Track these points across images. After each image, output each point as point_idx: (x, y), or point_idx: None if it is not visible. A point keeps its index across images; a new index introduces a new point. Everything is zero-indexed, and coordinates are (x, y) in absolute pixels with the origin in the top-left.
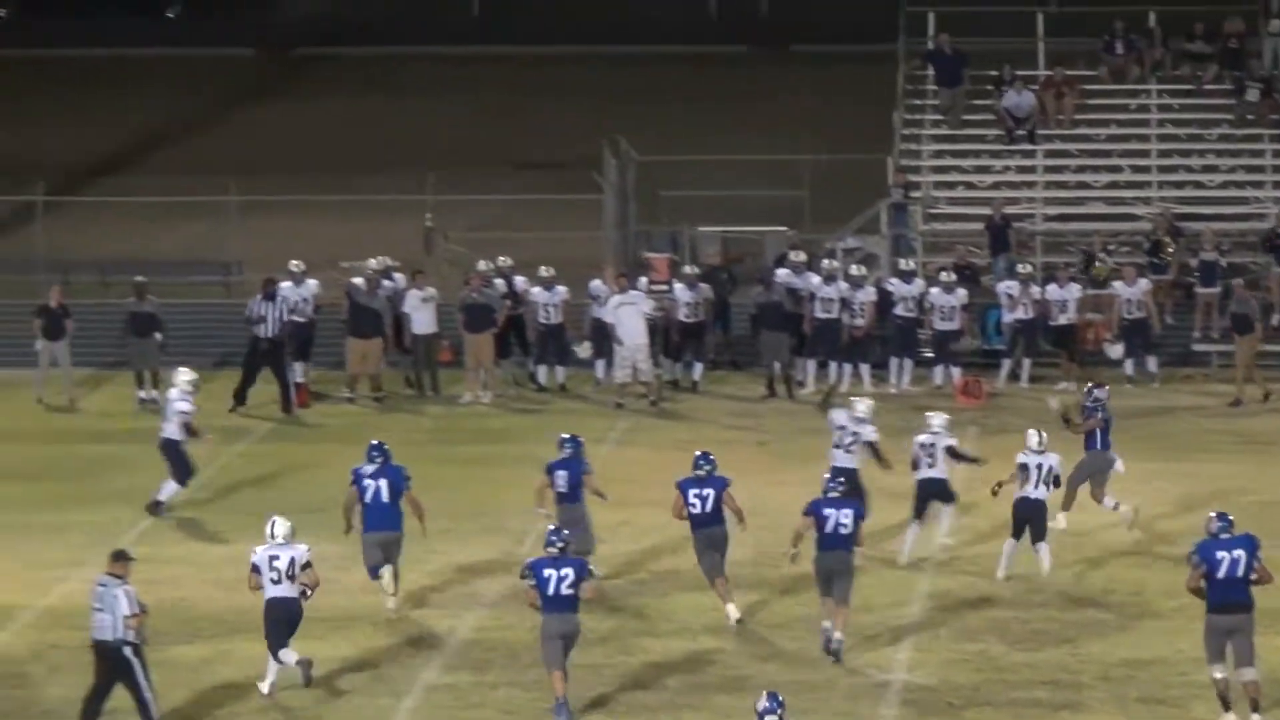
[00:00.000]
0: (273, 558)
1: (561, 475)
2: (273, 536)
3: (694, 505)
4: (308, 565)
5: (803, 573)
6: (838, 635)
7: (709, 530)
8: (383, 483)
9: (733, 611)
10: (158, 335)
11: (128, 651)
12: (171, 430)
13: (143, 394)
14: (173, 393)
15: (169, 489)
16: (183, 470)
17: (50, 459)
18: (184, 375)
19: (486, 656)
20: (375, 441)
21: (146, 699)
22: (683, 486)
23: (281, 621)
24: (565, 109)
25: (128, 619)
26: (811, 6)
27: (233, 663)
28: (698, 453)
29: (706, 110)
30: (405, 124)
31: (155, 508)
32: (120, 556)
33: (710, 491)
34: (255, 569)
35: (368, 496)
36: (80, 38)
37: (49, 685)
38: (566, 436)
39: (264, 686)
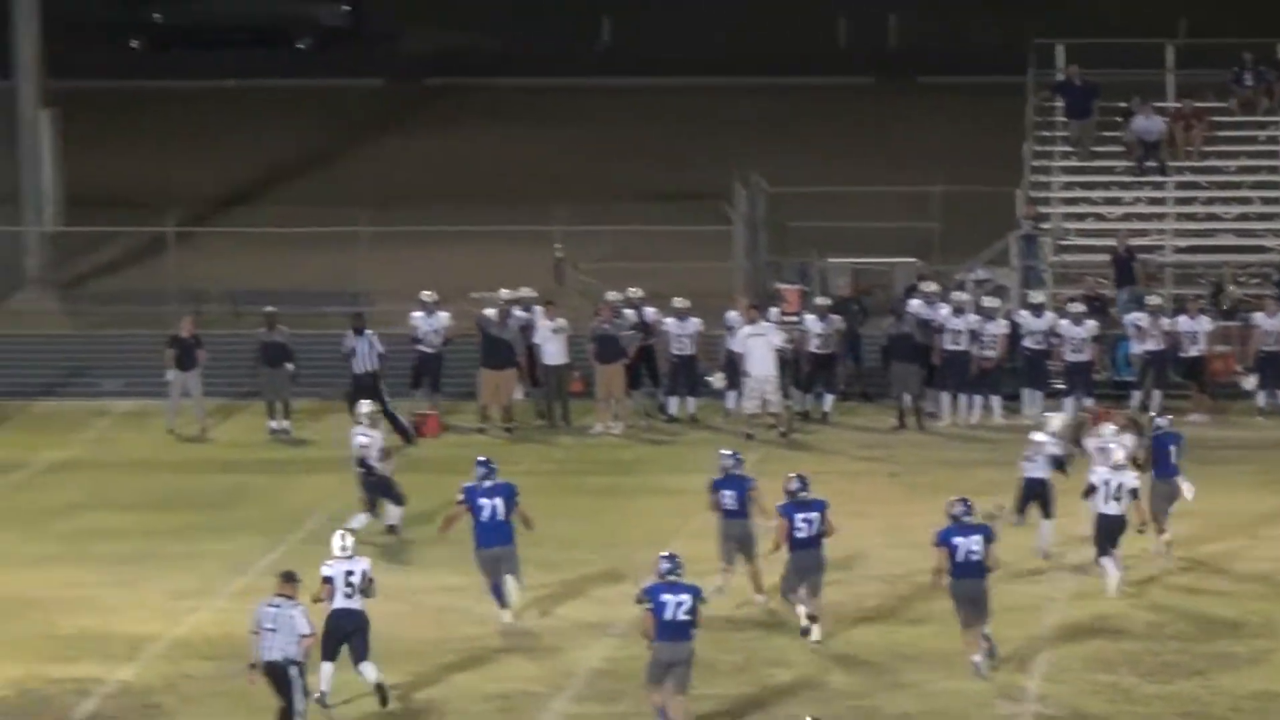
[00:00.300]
0: (348, 572)
1: (729, 494)
2: (343, 550)
3: (801, 529)
4: (371, 579)
5: (931, 606)
6: (976, 658)
7: (815, 552)
8: (497, 500)
9: (816, 631)
10: (289, 365)
11: (294, 671)
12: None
13: (274, 424)
14: (355, 428)
15: (395, 513)
16: (390, 492)
17: (182, 489)
18: (365, 407)
19: (616, 687)
20: (483, 458)
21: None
22: (788, 511)
23: (348, 632)
24: (695, 140)
25: (304, 638)
26: (939, 38)
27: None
28: (792, 476)
29: (835, 141)
30: (535, 155)
31: (391, 530)
32: (290, 578)
33: (815, 514)
34: (328, 580)
35: (484, 515)
36: (211, 69)
37: (180, 716)
38: (729, 453)
39: (317, 693)
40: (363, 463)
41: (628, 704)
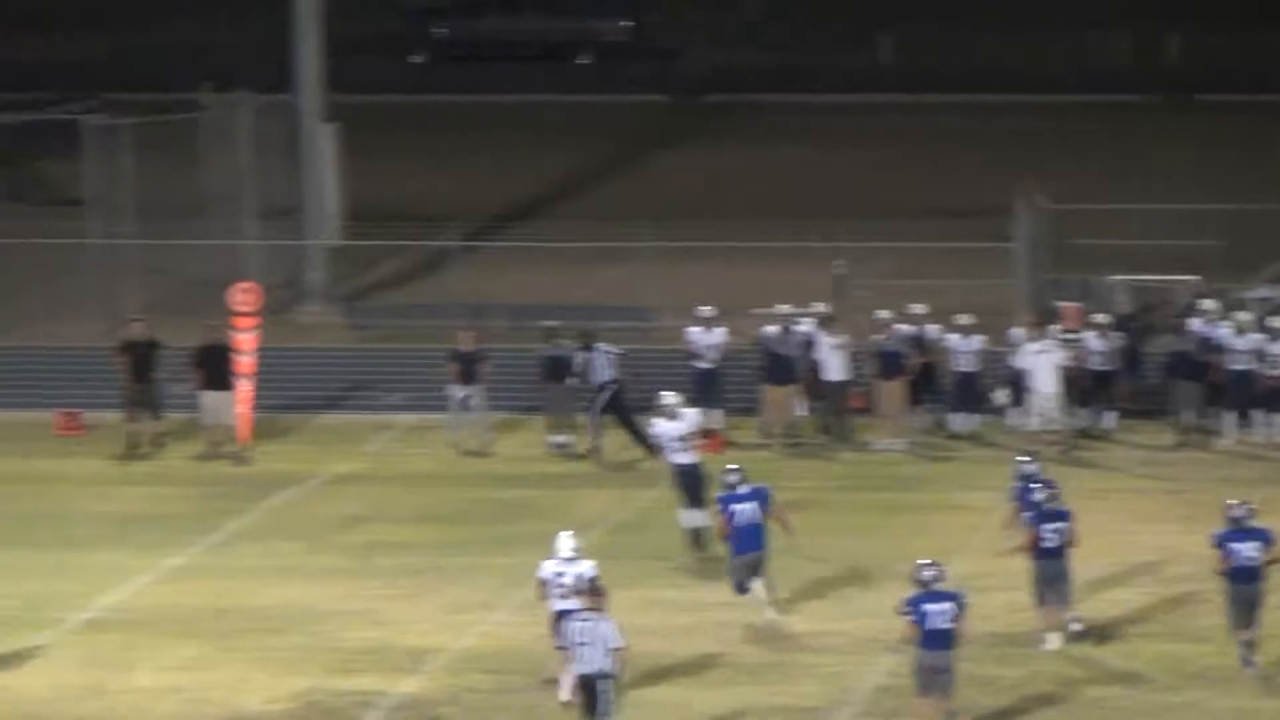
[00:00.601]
0: (559, 574)
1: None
2: (559, 552)
3: (1048, 539)
4: (594, 580)
5: (1214, 622)
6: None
7: (1059, 562)
8: (753, 505)
9: (1055, 640)
10: (571, 380)
11: (604, 685)
12: (680, 457)
13: (555, 439)
14: (665, 424)
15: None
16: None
17: (464, 503)
18: (669, 397)
19: (897, 704)
20: (732, 466)
21: None
22: (1035, 521)
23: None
24: (973, 157)
25: (617, 650)
26: (1221, 56)
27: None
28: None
29: (1115, 158)
30: (813, 171)
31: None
32: (596, 591)
33: (1063, 524)
34: (543, 583)
35: (742, 520)
36: (494, 84)
37: None
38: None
39: (562, 694)
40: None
41: None
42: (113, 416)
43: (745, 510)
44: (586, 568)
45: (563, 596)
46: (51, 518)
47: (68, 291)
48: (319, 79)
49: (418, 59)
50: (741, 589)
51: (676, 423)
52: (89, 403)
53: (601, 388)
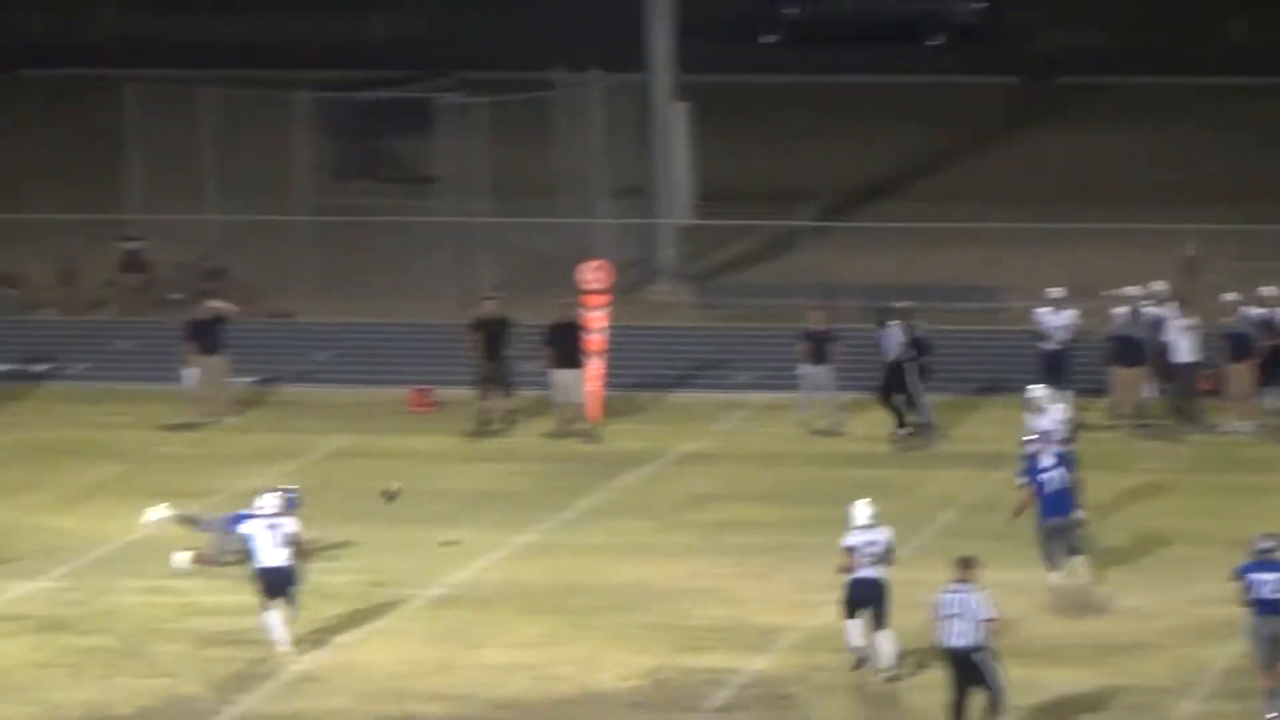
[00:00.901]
0: (869, 541)
1: None
2: (857, 520)
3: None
4: (891, 549)
5: None
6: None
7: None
8: (1060, 470)
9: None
10: (923, 360)
11: (979, 657)
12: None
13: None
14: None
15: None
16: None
17: (814, 482)
18: (1037, 390)
19: (1247, 685)
20: (1029, 436)
21: (1000, 701)
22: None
23: (866, 600)
24: None
25: (987, 622)
26: None
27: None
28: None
29: None
30: (1164, 153)
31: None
32: (968, 563)
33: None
34: (850, 550)
35: (1049, 487)
36: (846, 64)
37: (812, 708)
38: None
39: (883, 661)
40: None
41: (1260, 702)
42: (465, 393)
43: (1054, 477)
44: (887, 535)
45: (870, 564)
46: (403, 494)
47: (421, 269)
48: (671, 59)
49: (769, 39)
50: (1053, 560)
51: (1046, 416)
52: (441, 379)
53: (892, 366)
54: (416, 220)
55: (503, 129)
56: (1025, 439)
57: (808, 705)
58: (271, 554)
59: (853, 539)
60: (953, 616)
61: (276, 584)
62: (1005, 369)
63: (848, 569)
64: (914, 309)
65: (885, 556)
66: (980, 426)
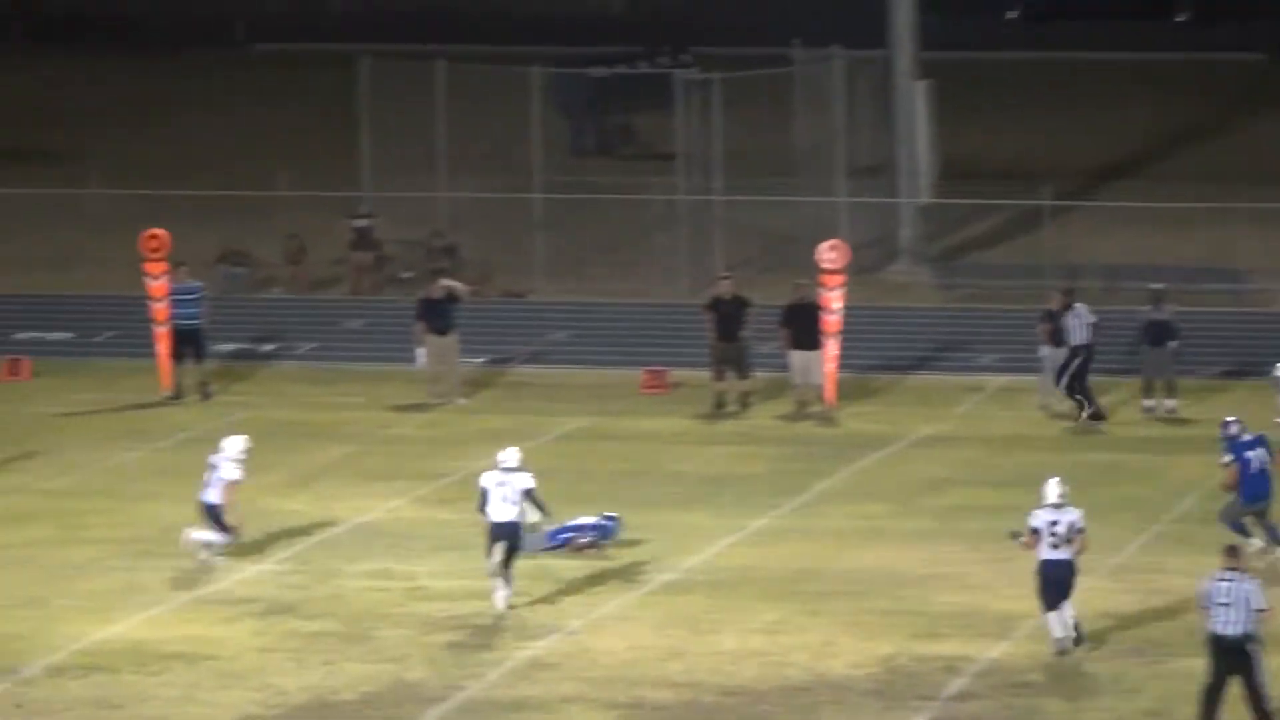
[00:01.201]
0: (1052, 522)
1: None
2: (1057, 498)
3: None
4: (1081, 530)
5: None
6: None
7: None
8: (1262, 450)
9: None
10: (1172, 344)
11: (1251, 647)
12: None
13: (1149, 403)
14: None
15: None
16: None
17: (1053, 466)
18: None
19: None
20: (1231, 418)
21: (1264, 694)
22: None
23: (1054, 582)
24: None
25: (1260, 612)
26: None
27: None
28: None
29: None
30: None
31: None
32: (1234, 552)
33: None
34: (1035, 531)
35: (1252, 468)
36: (1089, 40)
37: (1049, 695)
38: None
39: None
40: None
41: None
42: (700, 375)
43: (1256, 456)
44: (1076, 515)
45: (1054, 546)
46: (636, 476)
47: (658, 247)
48: (911, 35)
49: (1012, 15)
50: (1240, 530)
51: None
52: (675, 360)
53: (1074, 351)
54: (654, 199)
55: (740, 105)
56: (1226, 420)
57: (1045, 693)
58: (500, 509)
59: (1038, 519)
60: (1224, 605)
61: (501, 537)
62: (1250, 353)
63: (1031, 547)
64: (1165, 291)
65: (1068, 537)
66: (1226, 410)
